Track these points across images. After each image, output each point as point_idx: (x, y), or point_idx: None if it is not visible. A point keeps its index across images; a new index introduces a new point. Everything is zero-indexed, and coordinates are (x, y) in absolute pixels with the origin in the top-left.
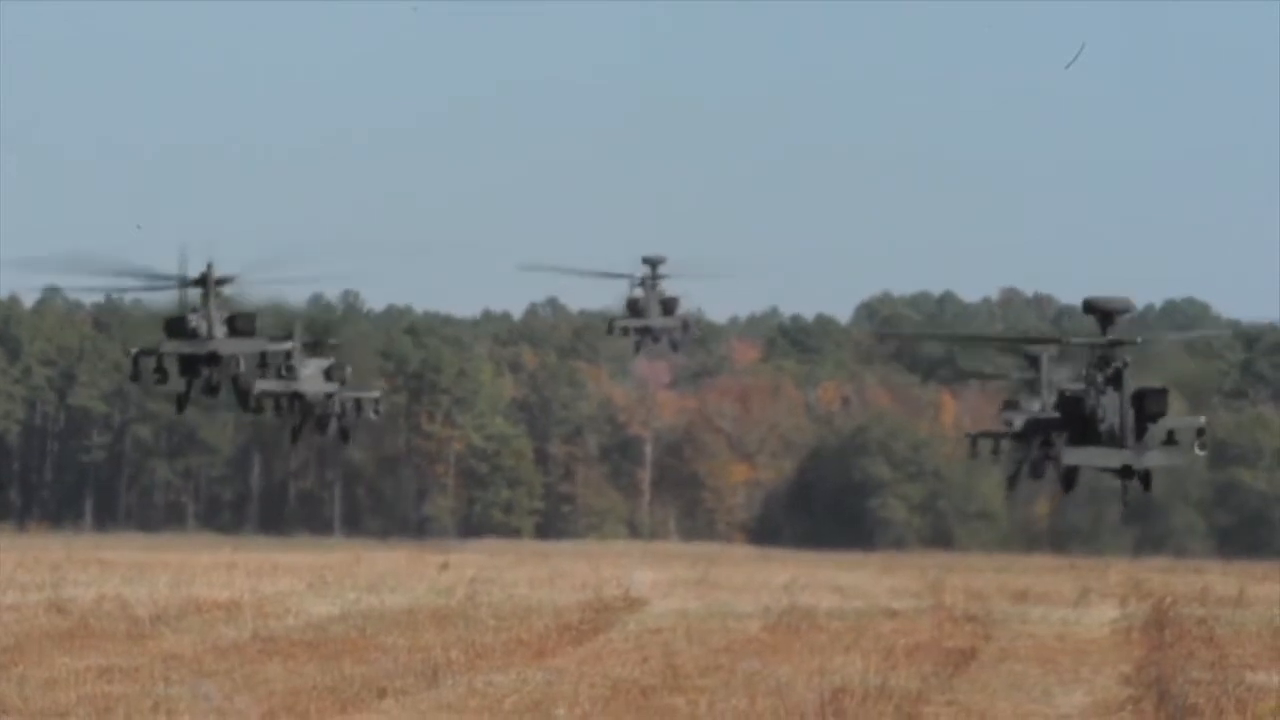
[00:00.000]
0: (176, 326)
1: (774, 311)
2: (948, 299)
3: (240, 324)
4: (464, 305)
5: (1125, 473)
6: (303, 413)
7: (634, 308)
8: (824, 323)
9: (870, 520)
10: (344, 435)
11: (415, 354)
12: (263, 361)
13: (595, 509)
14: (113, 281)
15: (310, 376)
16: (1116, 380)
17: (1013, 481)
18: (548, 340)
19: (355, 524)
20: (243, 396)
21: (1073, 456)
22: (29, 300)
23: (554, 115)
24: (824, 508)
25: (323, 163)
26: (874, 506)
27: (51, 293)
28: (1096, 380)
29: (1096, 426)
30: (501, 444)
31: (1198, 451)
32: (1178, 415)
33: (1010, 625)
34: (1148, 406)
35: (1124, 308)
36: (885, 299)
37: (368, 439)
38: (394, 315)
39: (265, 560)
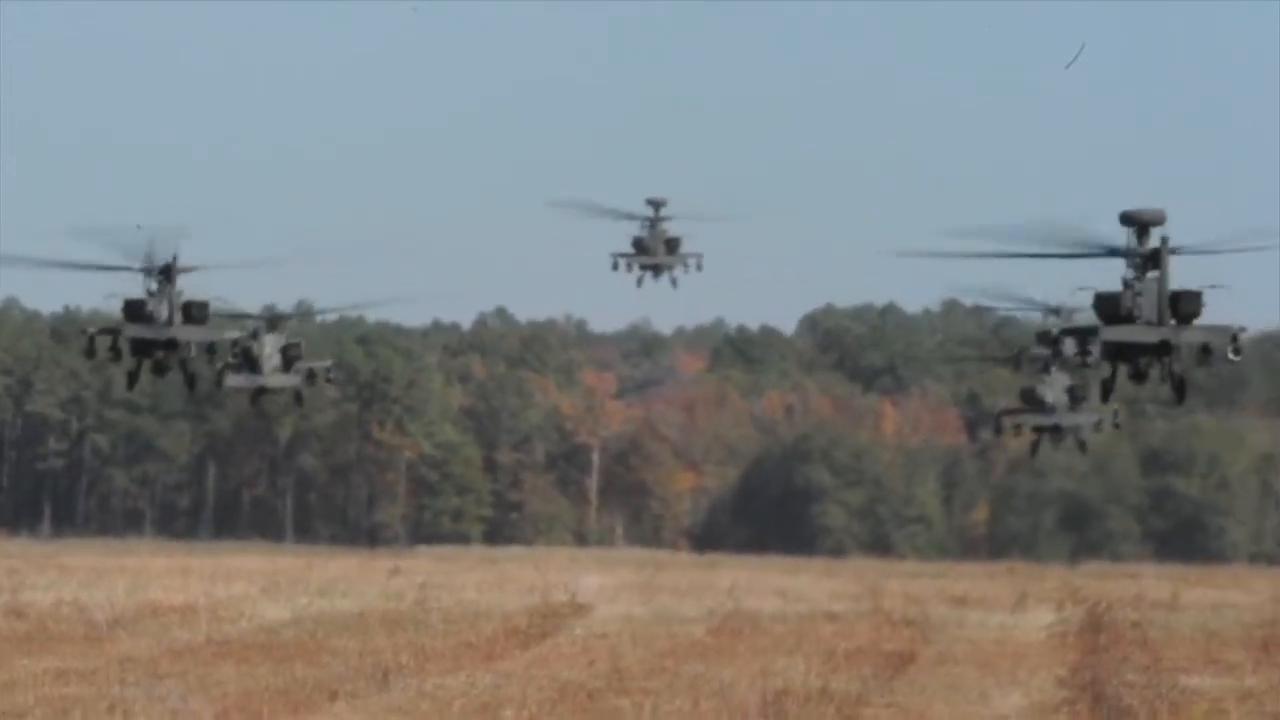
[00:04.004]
0: (135, 310)
1: (720, 322)
2: (890, 310)
3: (195, 312)
4: (414, 315)
5: (1163, 349)
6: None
7: (639, 245)
8: (769, 334)
9: (812, 526)
10: (298, 400)
11: (366, 364)
12: (211, 348)
13: (543, 516)
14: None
15: (270, 357)
16: (1154, 260)
17: (1035, 448)
18: (496, 350)
19: (307, 530)
20: (190, 380)
21: (1112, 334)
22: None
23: (554, 115)
24: (767, 514)
25: (323, 162)
26: (815, 513)
27: (10, 302)
28: (1134, 286)
29: (1134, 323)
30: (451, 452)
31: (1231, 357)
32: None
33: (948, 629)
34: (1182, 307)
35: (1158, 219)
36: (829, 311)
37: (319, 446)
38: (345, 325)
39: (220, 565)
